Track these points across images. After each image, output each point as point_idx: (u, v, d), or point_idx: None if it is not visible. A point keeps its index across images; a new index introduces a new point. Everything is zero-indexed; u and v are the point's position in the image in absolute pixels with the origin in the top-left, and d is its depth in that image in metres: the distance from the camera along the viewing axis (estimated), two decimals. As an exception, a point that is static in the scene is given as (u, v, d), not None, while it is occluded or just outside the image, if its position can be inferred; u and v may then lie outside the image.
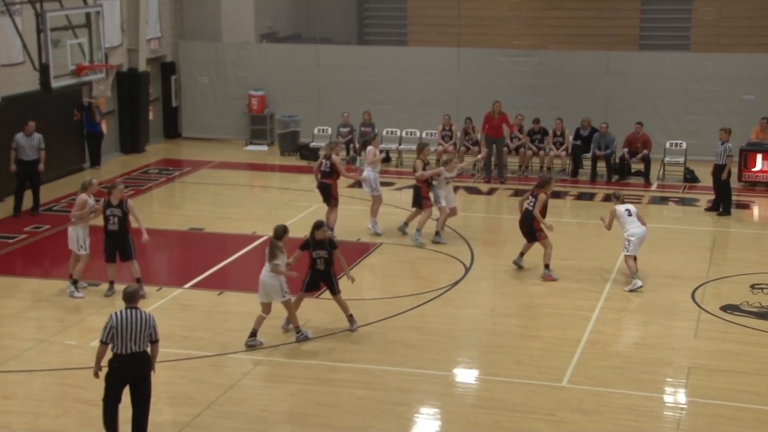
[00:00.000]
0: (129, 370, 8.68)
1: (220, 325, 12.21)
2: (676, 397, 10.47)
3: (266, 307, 11.32)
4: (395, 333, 11.95)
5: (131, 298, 8.76)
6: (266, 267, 11.20)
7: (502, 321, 12.45)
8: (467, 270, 14.35)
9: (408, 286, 13.64)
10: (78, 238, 12.96)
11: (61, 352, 11.23)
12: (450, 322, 12.54)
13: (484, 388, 10.60)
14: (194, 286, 13.57)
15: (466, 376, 11.08)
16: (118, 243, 12.85)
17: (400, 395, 10.25)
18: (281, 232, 11.29)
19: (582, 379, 10.62)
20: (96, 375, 8.90)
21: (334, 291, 11.77)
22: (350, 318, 11.89)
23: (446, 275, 14.08)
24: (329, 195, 15.57)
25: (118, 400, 8.75)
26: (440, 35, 25.66)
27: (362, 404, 10.04)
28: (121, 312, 8.69)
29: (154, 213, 16.97)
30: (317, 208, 17.72)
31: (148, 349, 8.75)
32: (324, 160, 15.62)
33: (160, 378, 10.65)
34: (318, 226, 11.65)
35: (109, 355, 8.72)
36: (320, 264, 11.62)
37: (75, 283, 13.06)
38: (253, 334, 11.35)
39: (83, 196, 12.99)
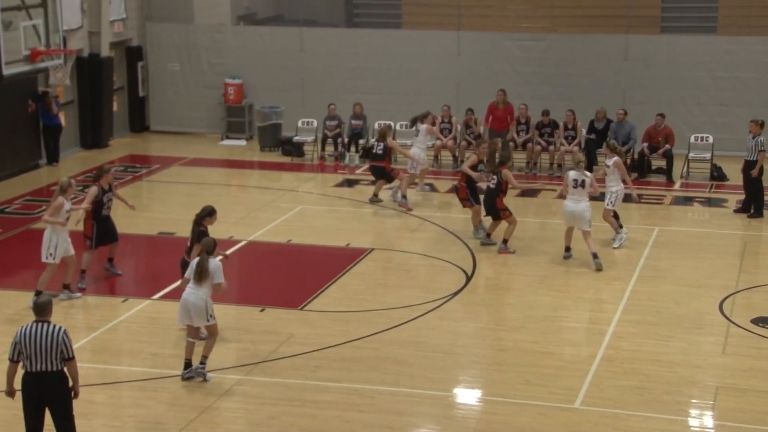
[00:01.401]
0: (37, 391, 8.67)
1: (192, 340, 12.19)
2: (702, 420, 10.50)
3: (192, 331, 10.98)
4: (388, 349, 11.97)
5: (41, 311, 8.72)
6: (191, 286, 10.80)
7: (508, 336, 12.48)
8: (469, 278, 14.38)
9: (402, 297, 13.66)
10: (50, 245, 13.01)
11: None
12: (450, 337, 12.55)
13: (487, 411, 10.63)
14: (164, 297, 13.56)
15: (467, 397, 11.10)
16: (108, 226, 13.88)
17: (393, 418, 10.27)
18: (212, 246, 10.99)
19: (597, 401, 10.65)
20: (10, 396, 8.90)
21: None
22: None
23: (445, 284, 14.11)
24: (386, 173, 17.62)
25: (34, 423, 8.74)
26: (439, 17, 25.68)
27: (351, 428, 10.05)
28: (27, 326, 8.69)
29: (118, 216, 16.83)
30: (300, 210, 17.75)
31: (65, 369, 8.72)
32: (376, 143, 17.75)
33: (126, 400, 10.69)
34: (211, 212, 12.22)
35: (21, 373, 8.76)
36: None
37: (67, 286, 13.27)
38: (187, 365, 10.95)
39: (60, 200, 13.08)
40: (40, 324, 8.67)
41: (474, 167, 15.81)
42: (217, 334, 11.08)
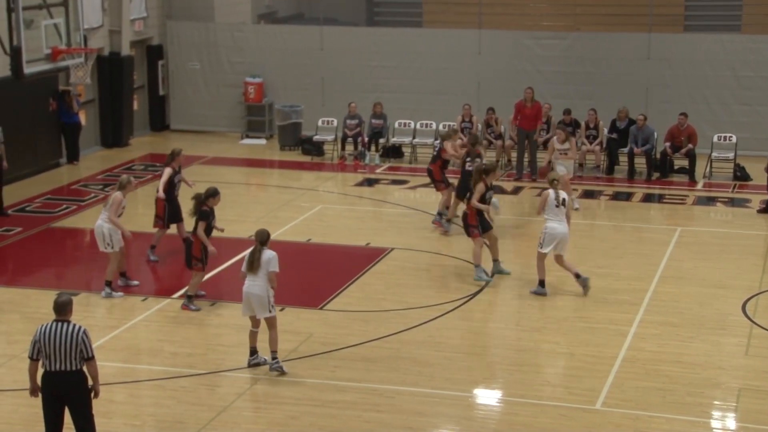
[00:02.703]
0: (56, 390, 8.71)
1: (212, 339, 12.25)
2: (724, 422, 10.45)
3: (254, 321, 11.27)
4: (408, 349, 11.96)
5: (61, 310, 8.74)
6: (250, 277, 11.06)
7: (528, 336, 12.45)
8: (489, 279, 14.35)
9: (422, 297, 13.65)
10: (105, 235, 13.31)
11: (35, 369, 11.26)
12: (470, 338, 12.54)
13: (508, 412, 10.60)
14: (184, 296, 13.60)
15: (487, 397, 11.07)
16: (177, 207, 14.70)
17: (413, 419, 10.26)
18: (266, 236, 11.22)
19: (618, 402, 10.61)
20: (33, 394, 8.95)
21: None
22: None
23: (465, 284, 14.09)
24: (433, 179, 16.87)
25: (54, 423, 8.77)
26: (459, 15, 25.67)
27: (370, 428, 10.05)
28: (47, 325, 8.72)
29: (138, 214, 17.03)
30: (320, 209, 17.76)
31: (85, 368, 8.73)
32: (436, 143, 17.92)
33: (146, 399, 10.73)
34: (214, 193, 12.75)
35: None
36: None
37: (109, 284, 13.40)
38: (253, 352, 11.34)
39: (118, 195, 13.43)
40: (59, 323, 8.70)
41: (482, 197, 14.14)
42: (277, 326, 11.19)
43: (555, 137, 17.63)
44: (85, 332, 8.72)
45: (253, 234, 11.30)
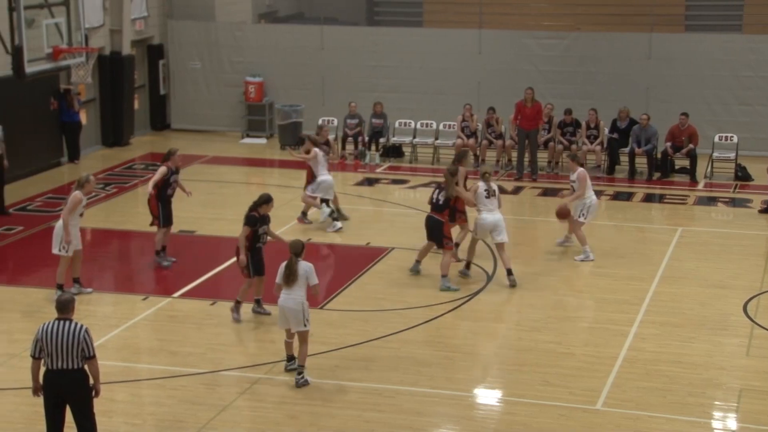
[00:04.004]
0: (58, 389, 8.70)
1: (212, 339, 12.23)
2: (725, 422, 10.43)
3: (289, 333, 11.03)
4: (408, 348, 11.95)
5: (63, 309, 8.72)
6: (285, 290, 10.75)
7: (528, 336, 12.44)
8: (489, 278, 14.34)
9: (422, 296, 13.64)
10: (63, 238, 13.03)
11: (35, 368, 11.25)
12: (469, 337, 12.52)
13: (507, 411, 10.59)
14: (184, 295, 13.60)
15: (487, 397, 11.06)
16: (171, 209, 14.33)
17: (413, 418, 10.25)
18: (300, 248, 10.90)
19: (619, 402, 10.60)
20: (36, 393, 8.94)
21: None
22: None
23: (465, 284, 14.08)
24: (441, 235, 13.92)
25: (55, 421, 8.76)
26: (460, 15, 25.66)
27: (371, 428, 10.04)
28: (49, 324, 8.70)
29: (138, 213, 17.03)
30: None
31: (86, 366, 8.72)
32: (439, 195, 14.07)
33: (146, 398, 10.73)
34: (267, 200, 12.37)
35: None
36: (264, 240, 12.38)
37: (77, 281, 13.33)
38: (291, 358, 11.09)
39: (77, 194, 13.14)
40: (61, 322, 8.69)
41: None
42: (308, 341, 10.91)
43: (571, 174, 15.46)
44: (86, 331, 8.72)
45: (288, 245, 11.01)
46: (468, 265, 14.31)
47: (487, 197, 13.90)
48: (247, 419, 10.27)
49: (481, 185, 13.97)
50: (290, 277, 10.69)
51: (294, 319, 10.75)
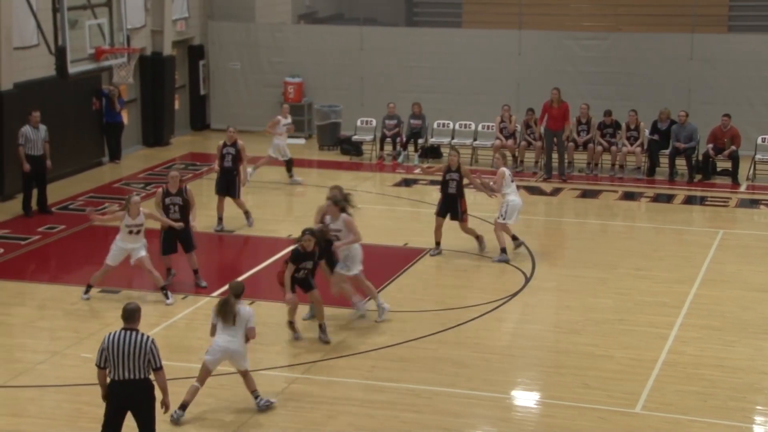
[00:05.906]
0: (122, 399, 8.66)
1: (250, 338, 12.26)
2: (767, 428, 10.29)
3: (205, 378, 10.31)
4: (445, 350, 11.93)
5: (129, 318, 8.65)
6: (224, 331, 10.15)
7: (566, 338, 12.36)
8: (527, 280, 14.28)
9: (460, 298, 13.61)
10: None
11: (77, 366, 11.36)
12: (507, 339, 12.47)
13: (545, 414, 10.53)
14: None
15: (525, 399, 11.02)
16: (179, 233, 13.61)
17: (450, 420, 10.23)
18: (241, 290, 10.31)
19: (658, 406, 10.50)
20: (105, 399, 8.91)
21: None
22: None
23: (503, 285, 14.02)
24: (459, 209, 14.99)
25: (114, 428, 8.73)
26: (499, 16, 25.58)
27: (407, 429, 10.03)
28: (114, 334, 8.65)
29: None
30: (359, 209, 17.72)
31: (152, 377, 8.69)
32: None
33: (184, 397, 10.76)
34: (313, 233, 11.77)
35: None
36: (303, 274, 11.88)
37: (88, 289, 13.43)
38: (183, 406, 10.15)
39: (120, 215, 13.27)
40: (127, 332, 8.61)
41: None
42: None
43: None
44: (153, 342, 8.65)
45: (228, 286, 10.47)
46: (515, 238, 15.11)
47: (512, 181, 14.86)
48: (285, 419, 10.30)
49: (506, 170, 14.79)
50: (234, 318, 10.14)
51: (239, 359, 10.27)
